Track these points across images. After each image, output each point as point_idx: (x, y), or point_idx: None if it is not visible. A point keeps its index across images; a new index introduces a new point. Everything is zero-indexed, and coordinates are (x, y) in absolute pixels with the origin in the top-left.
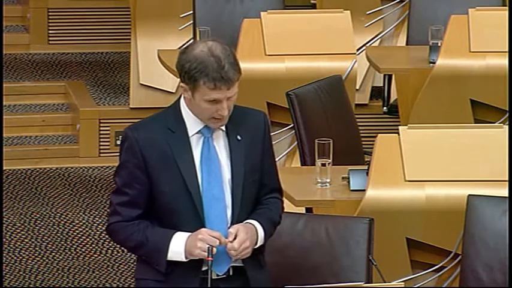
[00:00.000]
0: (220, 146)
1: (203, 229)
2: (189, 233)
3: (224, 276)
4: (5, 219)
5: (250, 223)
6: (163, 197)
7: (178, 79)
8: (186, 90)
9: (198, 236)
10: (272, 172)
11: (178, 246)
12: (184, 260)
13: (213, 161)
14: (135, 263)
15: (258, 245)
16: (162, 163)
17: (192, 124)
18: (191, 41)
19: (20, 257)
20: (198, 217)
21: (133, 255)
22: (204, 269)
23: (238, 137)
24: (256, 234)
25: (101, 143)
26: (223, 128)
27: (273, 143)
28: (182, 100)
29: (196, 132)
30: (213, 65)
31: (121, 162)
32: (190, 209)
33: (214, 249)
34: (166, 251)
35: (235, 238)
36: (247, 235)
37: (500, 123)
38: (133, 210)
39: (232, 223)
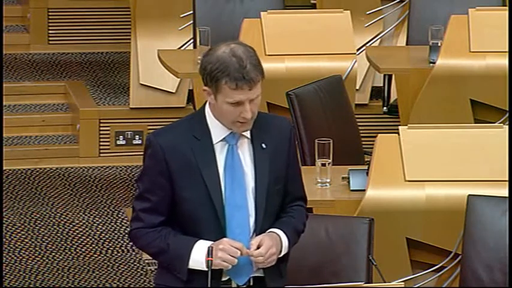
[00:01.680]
0: (245, 154)
1: (225, 239)
2: (211, 242)
3: (244, 286)
4: (5, 219)
5: (274, 232)
6: (186, 203)
7: (179, 79)
8: (209, 93)
9: (219, 246)
10: (296, 180)
11: (199, 255)
12: (205, 269)
13: (237, 169)
14: (135, 263)
15: (282, 254)
16: (185, 170)
17: (217, 131)
18: (191, 41)
19: (20, 257)
20: (220, 225)
21: (133, 255)
22: (224, 279)
23: (263, 145)
24: (280, 243)
25: (101, 143)
26: (248, 135)
27: None
28: (207, 107)
29: (221, 140)
30: (235, 65)
31: (144, 168)
32: (212, 217)
33: (223, 254)
34: (187, 259)
35: (258, 248)
36: (273, 242)
37: (500, 123)
38: (156, 217)
39: (255, 232)
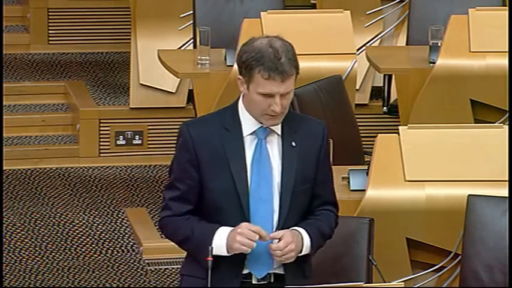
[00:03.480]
0: (274, 150)
1: (243, 223)
2: (232, 228)
3: (265, 282)
4: (5, 219)
5: (297, 230)
6: (212, 194)
7: (179, 79)
8: (243, 82)
9: (237, 230)
10: (327, 184)
11: (220, 240)
12: (226, 254)
13: (264, 163)
14: (135, 263)
15: (303, 253)
16: (213, 161)
17: (248, 124)
18: (191, 41)
19: (20, 257)
20: (244, 217)
21: (133, 255)
22: (245, 272)
23: (293, 144)
24: (301, 241)
25: (101, 143)
26: (279, 132)
27: None
28: (241, 99)
29: (251, 133)
30: (270, 56)
31: (175, 157)
32: (237, 209)
33: (241, 238)
34: (210, 245)
35: (279, 240)
36: (293, 238)
37: (500, 123)
38: (184, 206)
39: (279, 228)
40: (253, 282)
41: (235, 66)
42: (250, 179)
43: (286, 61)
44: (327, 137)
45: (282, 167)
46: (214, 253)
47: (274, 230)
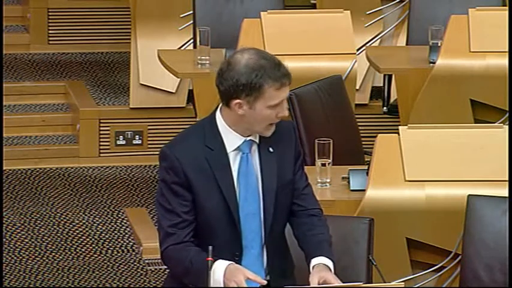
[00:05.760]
0: (255, 159)
1: (241, 272)
2: (226, 262)
3: None
4: (5, 219)
5: (323, 263)
6: (204, 214)
7: (179, 79)
8: (242, 105)
9: (234, 279)
10: (305, 183)
11: (218, 276)
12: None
13: (250, 177)
14: (135, 263)
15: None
16: (203, 180)
17: (230, 140)
18: (191, 41)
19: (20, 257)
20: (236, 232)
21: (133, 255)
22: None
23: (270, 149)
24: (331, 270)
25: (101, 143)
26: (257, 140)
27: None
28: (218, 115)
29: (235, 149)
30: (271, 65)
31: (164, 183)
32: (230, 225)
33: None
34: (208, 280)
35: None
36: (335, 280)
37: (500, 123)
38: (185, 230)
39: (266, 235)
40: None
41: (225, 91)
42: (238, 195)
43: (281, 63)
44: (298, 136)
45: (261, 175)
46: (212, 286)
47: (263, 239)
